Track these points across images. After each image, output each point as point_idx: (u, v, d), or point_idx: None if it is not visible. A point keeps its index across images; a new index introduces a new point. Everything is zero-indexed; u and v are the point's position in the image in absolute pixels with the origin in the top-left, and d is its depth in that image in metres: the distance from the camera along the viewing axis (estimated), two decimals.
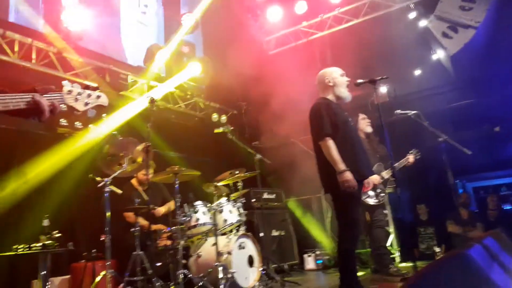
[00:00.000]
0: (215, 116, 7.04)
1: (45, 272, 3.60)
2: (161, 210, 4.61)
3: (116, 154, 4.02)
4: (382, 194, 4.77)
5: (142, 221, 4.21)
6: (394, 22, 6.66)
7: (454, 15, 6.16)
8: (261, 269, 4.37)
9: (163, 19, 6.88)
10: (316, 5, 7.29)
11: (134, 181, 4.71)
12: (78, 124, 4.79)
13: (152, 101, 4.03)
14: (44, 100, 1.64)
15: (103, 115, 4.85)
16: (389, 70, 5.07)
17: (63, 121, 4.70)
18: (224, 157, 6.48)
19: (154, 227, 4.32)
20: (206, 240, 4.36)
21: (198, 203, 4.28)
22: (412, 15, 6.56)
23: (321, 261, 6.01)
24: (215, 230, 4.08)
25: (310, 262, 6.06)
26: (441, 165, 4.69)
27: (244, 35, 7.37)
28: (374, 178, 4.61)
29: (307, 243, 6.32)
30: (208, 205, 4.32)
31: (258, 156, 5.34)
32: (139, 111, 5.46)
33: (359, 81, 3.42)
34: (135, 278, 3.71)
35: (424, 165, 5.18)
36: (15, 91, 1.62)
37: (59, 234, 3.67)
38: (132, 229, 3.92)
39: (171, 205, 4.65)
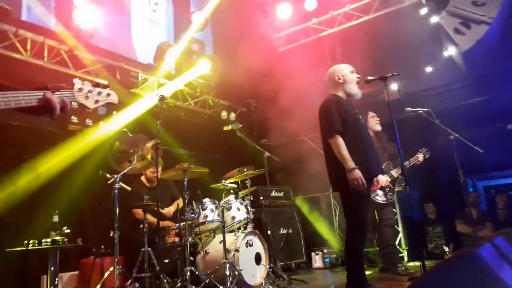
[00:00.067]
0: (224, 114, 7.05)
1: (54, 267, 3.65)
2: (171, 210, 4.64)
3: (126, 151, 4.06)
4: (390, 193, 4.75)
5: (151, 218, 4.25)
6: (405, 18, 6.57)
7: (467, 11, 6.06)
8: (268, 266, 4.38)
9: (173, 17, 6.91)
10: (326, 1, 7.23)
11: (143, 178, 4.75)
12: (89, 121, 4.83)
13: (162, 98, 4.05)
14: (55, 98, 1.66)
15: (114, 112, 4.88)
16: (400, 67, 5.03)
17: (74, 119, 4.73)
18: (232, 155, 6.50)
19: (163, 223, 4.35)
20: (213, 237, 4.38)
21: (206, 200, 4.30)
22: (424, 11, 6.47)
23: (328, 260, 5.99)
24: (223, 227, 4.09)
25: (317, 261, 6.05)
26: (452, 163, 4.63)
27: (253, 32, 7.36)
28: (383, 180, 4.58)
29: (314, 241, 6.31)
30: (216, 202, 4.34)
31: (267, 153, 5.34)
32: (149, 108, 5.50)
33: (370, 78, 3.39)
34: (143, 275, 3.74)
35: (434, 163, 5.13)
36: (27, 88, 1.65)
37: (69, 230, 3.73)
38: (141, 226, 3.96)
39: (180, 202, 4.68)
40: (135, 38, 6.19)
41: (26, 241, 3.48)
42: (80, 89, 1.79)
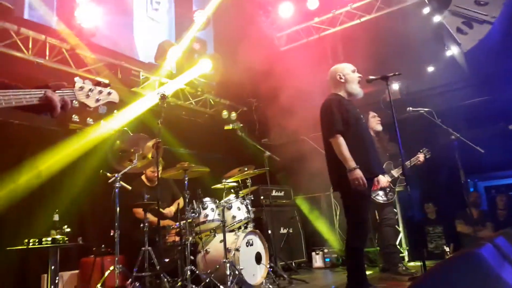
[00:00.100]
0: (225, 113, 7.05)
1: (54, 266, 3.65)
2: (172, 210, 4.64)
3: (127, 150, 4.06)
4: (391, 193, 4.74)
5: (151, 217, 4.25)
6: (407, 17, 6.55)
7: (469, 10, 6.04)
8: (269, 266, 4.38)
9: (175, 15, 6.90)
10: (328, 0, 7.21)
11: (143, 177, 4.75)
12: (90, 120, 4.84)
13: (163, 97, 4.05)
14: (56, 96, 1.66)
15: (115, 111, 4.89)
16: (402, 67, 5.02)
17: (75, 117, 4.76)
18: (233, 154, 6.50)
19: (163, 223, 4.35)
20: (214, 236, 4.38)
21: (207, 199, 4.30)
22: (426, 10, 6.45)
23: (329, 259, 5.99)
24: (223, 227, 4.09)
25: (318, 260, 6.05)
26: (453, 163, 4.62)
27: (255, 31, 7.34)
28: (383, 181, 4.57)
29: (315, 241, 6.30)
30: (216, 202, 4.34)
31: (267, 153, 5.34)
32: (150, 107, 5.50)
33: (371, 77, 3.38)
34: (143, 274, 3.75)
35: (436, 163, 5.11)
36: (28, 87, 1.65)
37: (69, 229, 3.73)
38: (141, 225, 3.96)
39: (180, 202, 4.68)
40: (136, 36, 6.19)
41: (26, 240, 3.48)
42: (81, 88, 1.79)
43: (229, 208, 4.37)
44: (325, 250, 6.06)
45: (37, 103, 1.63)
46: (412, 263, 5.62)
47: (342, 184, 3.10)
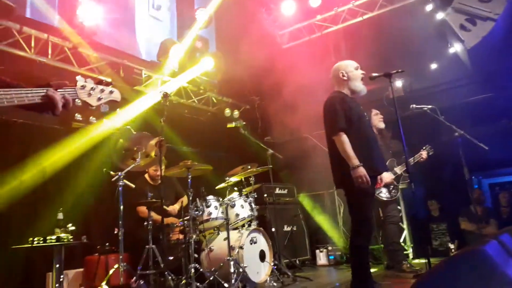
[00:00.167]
0: (227, 111, 7.05)
1: (59, 264, 3.67)
2: (176, 208, 4.64)
3: (130, 148, 4.07)
4: (394, 190, 4.73)
5: (155, 215, 4.26)
6: (410, 14, 6.52)
7: (473, 7, 6.00)
8: (273, 264, 4.38)
9: (176, 14, 6.89)
10: None
11: (147, 176, 4.76)
12: (92, 119, 4.86)
13: (166, 95, 4.05)
14: (58, 95, 1.66)
15: (117, 109, 4.90)
16: (405, 64, 4.99)
17: (78, 116, 4.77)
18: (236, 152, 6.50)
19: (166, 220, 4.36)
20: (218, 234, 4.38)
21: (210, 197, 4.30)
22: (429, 7, 6.41)
23: (333, 257, 5.98)
24: (227, 225, 4.09)
25: (322, 258, 6.04)
26: (457, 160, 4.60)
27: (257, 29, 7.32)
28: (386, 177, 4.56)
29: (319, 239, 6.30)
30: (220, 200, 4.34)
31: (270, 151, 5.33)
32: (152, 105, 5.50)
33: (374, 74, 3.36)
34: (147, 272, 3.76)
35: (439, 160, 5.09)
36: (31, 86, 1.65)
37: (73, 228, 3.74)
38: (145, 223, 3.96)
39: (184, 200, 4.68)
40: (138, 35, 6.18)
41: (31, 239, 3.50)
42: (83, 87, 1.79)
43: (233, 206, 4.37)
44: (329, 248, 6.06)
45: (39, 102, 1.63)
46: (416, 261, 5.60)
47: (346, 182, 3.09)
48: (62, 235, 3.61)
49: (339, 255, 5.96)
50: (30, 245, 3.47)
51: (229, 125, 5.22)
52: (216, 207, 4.24)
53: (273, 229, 5.16)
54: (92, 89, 1.81)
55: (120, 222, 3.78)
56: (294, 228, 6.07)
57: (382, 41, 6.22)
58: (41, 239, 3.50)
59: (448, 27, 6.17)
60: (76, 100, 1.78)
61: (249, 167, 4.60)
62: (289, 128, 6.92)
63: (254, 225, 4.49)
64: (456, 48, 6.40)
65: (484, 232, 5.38)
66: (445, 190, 6.07)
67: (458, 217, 5.83)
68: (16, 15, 4.46)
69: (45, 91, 1.63)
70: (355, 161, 2.99)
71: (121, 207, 3.82)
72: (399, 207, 5.12)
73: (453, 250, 5.37)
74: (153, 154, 4.09)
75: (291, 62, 6.72)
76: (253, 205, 4.53)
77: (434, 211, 6.24)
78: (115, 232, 3.79)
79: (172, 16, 6.83)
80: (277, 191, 6.08)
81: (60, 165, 4.35)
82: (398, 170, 4.77)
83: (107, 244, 4.08)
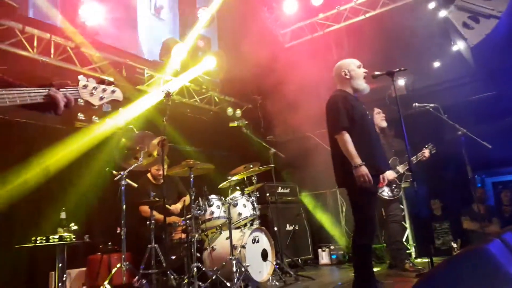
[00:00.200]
0: (230, 110, 7.05)
1: (62, 264, 3.68)
2: (178, 207, 4.65)
3: (132, 147, 4.07)
4: (397, 189, 4.72)
5: (157, 215, 4.26)
6: (413, 12, 6.50)
7: (476, 5, 5.97)
8: (275, 263, 4.38)
9: (178, 13, 6.89)
10: None
11: (149, 175, 4.76)
12: (95, 118, 4.86)
13: (168, 95, 4.05)
14: (60, 95, 1.67)
15: (120, 109, 4.91)
16: (408, 62, 4.98)
17: (80, 116, 4.78)
18: (238, 151, 6.50)
19: (169, 219, 4.36)
20: (220, 233, 4.38)
21: (213, 196, 4.30)
22: (432, 5, 6.38)
23: (335, 256, 5.98)
24: (229, 224, 4.09)
25: (324, 257, 6.04)
26: (460, 159, 4.58)
27: (259, 28, 7.32)
28: (389, 174, 4.55)
29: (321, 238, 6.30)
30: (222, 199, 4.34)
31: (273, 150, 5.32)
32: (155, 104, 5.51)
33: (376, 73, 3.36)
34: (150, 271, 3.76)
35: (442, 159, 5.08)
36: (33, 85, 1.65)
37: (76, 227, 3.75)
38: (147, 222, 3.97)
39: (186, 199, 4.69)
40: (140, 34, 6.19)
41: (34, 238, 3.51)
42: (85, 86, 1.79)
43: (235, 205, 4.37)
44: (332, 247, 6.05)
45: (41, 101, 1.63)
46: (419, 260, 5.59)
47: (348, 181, 3.08)
48: (65, 234, 3.63)
49: (342, 254, 5.96)
50: (33, 245, 3.49)
51: (231, 124, 5.22)
52: (218, 206, 4.24)
53: (276, 228, 5.15)
54: (94, 88, 1.81)
55: (123, 222, 3.78)
56: (296, 227, 6.07)
57: (384, 39, 6.19)
58: (44, 238, 3.52)
59: (451, 25, 6.14)
60: (79, 99, 1.78)
61: (251, 166, 4.60)
62: (291, 127, 6.92)
63: (256, 224, 4.49)
64: (459, 46, 6.37)
65: (487, 231, 5.36)
66: (448, 189, 6.05)
67: (461, 217, 5.81)
68: (18, 15, 4.47)
69: (47, 90, 1.63)
70: (358, 160, 2.98)
71: (124, 206, 3.83)
72: (401, 206, 5.10)
73: (455, 249, 5.34)
74: (155, 153, 4.09)
75: (293, 61, 6.71)
76: (255, 204, 4.53)
77: (437, 210, 6.22)
78: (118, 231, 3.80)
79: (174, 15, 6.83)
80: (279, 190, 6.08)
81: (62, 164, 4.36)
82: (401, 168, 4.75)
83: (109, 243, 4.10)
